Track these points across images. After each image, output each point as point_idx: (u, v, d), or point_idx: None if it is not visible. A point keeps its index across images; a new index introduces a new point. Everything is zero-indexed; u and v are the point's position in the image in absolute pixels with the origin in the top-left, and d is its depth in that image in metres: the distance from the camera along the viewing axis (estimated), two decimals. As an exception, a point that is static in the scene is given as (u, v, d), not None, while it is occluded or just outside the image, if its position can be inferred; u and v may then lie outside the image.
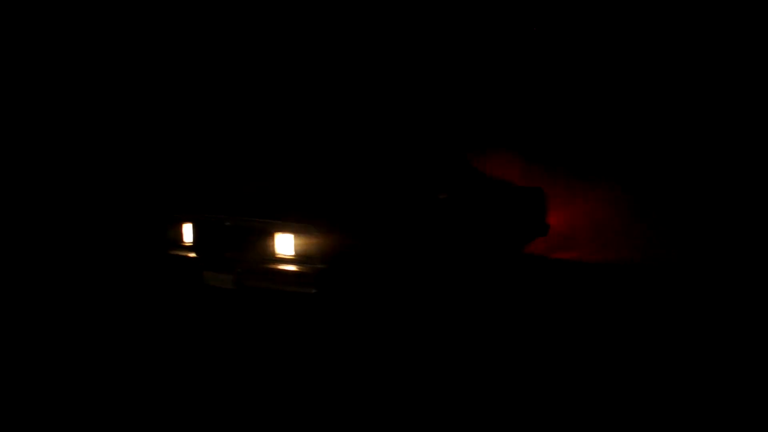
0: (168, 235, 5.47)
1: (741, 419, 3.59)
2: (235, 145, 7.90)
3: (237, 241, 5.06)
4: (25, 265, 6.66)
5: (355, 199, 5.39)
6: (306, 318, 5.23)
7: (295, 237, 4.86)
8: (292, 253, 4.88)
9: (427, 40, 9.96)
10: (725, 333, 4.98)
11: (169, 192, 6.98)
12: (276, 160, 6.48)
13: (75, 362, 4.39)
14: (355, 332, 5.01)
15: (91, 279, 6.34)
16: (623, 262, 7.30)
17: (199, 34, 8.76)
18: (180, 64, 8.62)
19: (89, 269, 6.60)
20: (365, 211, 5.30)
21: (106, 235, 7.24)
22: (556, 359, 4.46)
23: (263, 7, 9.27)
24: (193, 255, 5.28)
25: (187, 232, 5.38)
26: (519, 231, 6.78)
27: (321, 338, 4.91)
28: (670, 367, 4.31)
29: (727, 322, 5.24)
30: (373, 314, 5.25)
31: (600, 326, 5.14)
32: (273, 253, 4.92)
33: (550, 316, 5.41)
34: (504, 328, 5.14)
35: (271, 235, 4.92)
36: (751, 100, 9.56)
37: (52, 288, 6.06)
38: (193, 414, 3.66)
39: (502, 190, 6.63)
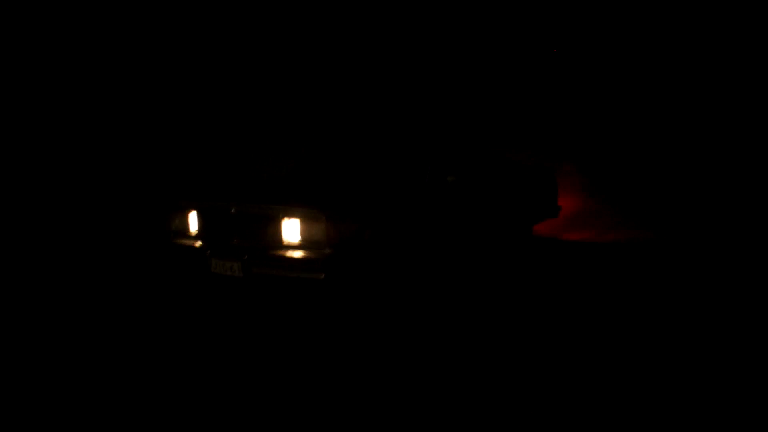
0: (173, 223, 5.42)
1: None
2: (240, 132, 7.80)
3: (243, 229, 5.01)
4: (29, 256, 6.59)
5: (362, 182, 5.32)
6: (314, 304, 5.16)
7: (302, 222, 4.81)
8: (300, 238, 4.83)
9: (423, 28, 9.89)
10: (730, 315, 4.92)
11: (173, 180, 6.90)
12: (281, 145, 6.38)
13: (77, 355, 4.34)
14: (365, 318, 4.94)
15: (95, 270, 6.28)
16: (633, 241, 7.25)
17: (204, 19, 8.65)
18: (184, 50, 8.51)
19: (94, 260, 6.54)
20: (372, 194, 5.23)
21: (110, 225, 7.16)
22: (566, 345, 4.38)
23: None
24: (199, 243, 5.22)
25: (193, 220, 5.32)
26: (529, 212, 6.68)
27: (330, 325, 4.84)
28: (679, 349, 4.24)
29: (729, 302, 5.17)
30: (382, 299, 5.19)
31: (609, 309, 5.06)
32: (280, 240, 4.87)
33: (562, 299, 5.33)
34: (513, 311, 5.06)
35: (278, 221, 4.87)
36: (732, 91, 9.68)
37: (55, 279, 5.99)
38: (199, 407, 3.59)
39: (513, 171, 6.52)
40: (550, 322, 4.76)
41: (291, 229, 4.86)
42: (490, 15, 10.18)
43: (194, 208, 5.31)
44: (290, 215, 4.85)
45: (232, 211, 5.05)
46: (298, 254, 4.81)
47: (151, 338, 4.64)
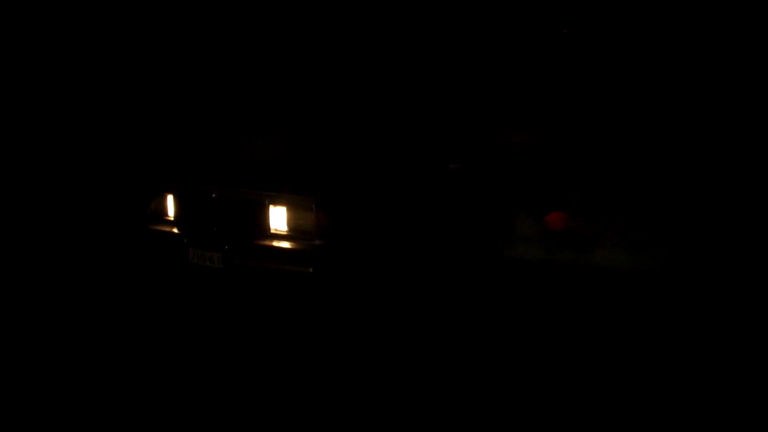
0: (149, 207, 5.07)
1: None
2: (224, 108, 7.37)
3: (225, 215, 4.70)
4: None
5: (356, 168, 4.94)
6: (301, 300, 4.81)
7: (290, 210, 4.49)
8: (287, 228, 4.51)
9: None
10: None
11: (150, 160, 6.50)
12: (269, 124, 5.96)
13: (43, 354, 4.03)
14: (356, 317, 4.61)
15: (63, 257, 5.88)
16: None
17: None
18: (164, 26, 8.06)
19: (61, 246, 6.14)
20: (367, 182, 4.86)
21: (80, 208, 6.76)
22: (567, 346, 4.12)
23: None
24: (176, 230, 4.90)
25: (171, 204, 4.97)
26: (538, 205, 6.29)
27: (318, 323, 4.52)
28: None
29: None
30: (375, 297, 4.81)
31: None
32: (265, 229, 4.56)
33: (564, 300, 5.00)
34: (514, 311, 4.76)
35: (263, 209, 4.55)
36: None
37: (20, 270, 5.58)
38: (174, 410, 3.30)
39: (522, 160, 6.12)
40: (551, 324, 4.48)
41: (277, 218, 4.54)
42: None
43: (172, 191, 4.95)
44: (277, 202, 4.53)
45: (213, 195, 4.72)
46: (284, 245, 4.50)
47: (122, 332, 4.33)
